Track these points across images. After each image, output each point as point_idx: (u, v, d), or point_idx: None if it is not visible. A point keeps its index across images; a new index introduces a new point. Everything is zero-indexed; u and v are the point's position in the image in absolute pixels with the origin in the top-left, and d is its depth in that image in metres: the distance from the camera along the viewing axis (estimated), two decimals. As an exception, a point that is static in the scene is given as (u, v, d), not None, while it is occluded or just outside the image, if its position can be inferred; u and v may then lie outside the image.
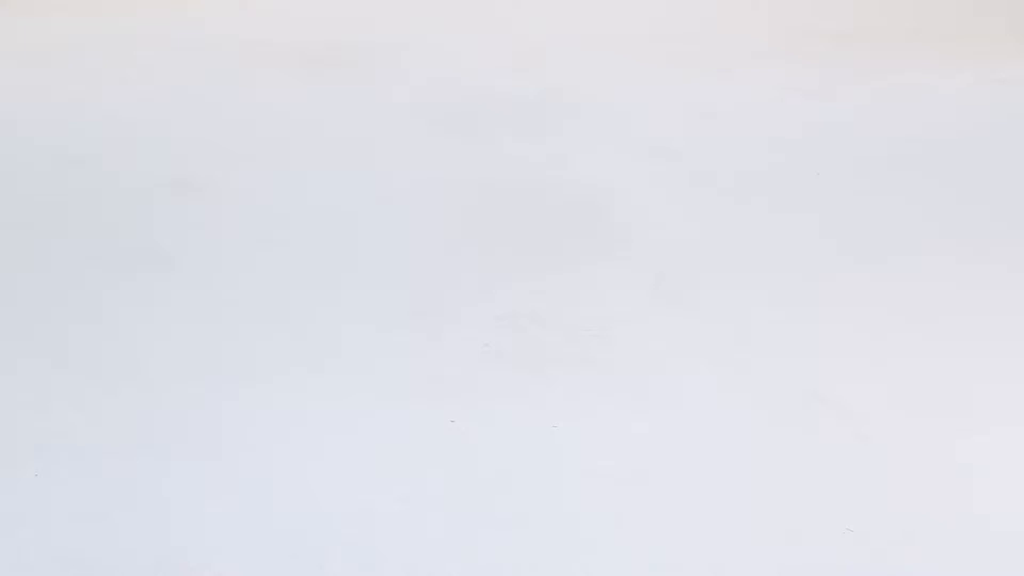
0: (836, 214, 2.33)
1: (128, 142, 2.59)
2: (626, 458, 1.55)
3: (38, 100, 2.84)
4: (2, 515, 1.42)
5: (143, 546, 1.37)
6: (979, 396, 1.71)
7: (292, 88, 2.93)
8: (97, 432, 1.58)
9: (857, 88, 3.02)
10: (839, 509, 1.45)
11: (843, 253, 2.16)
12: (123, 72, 3.01)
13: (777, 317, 1.91)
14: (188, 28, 3.33)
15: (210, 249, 2.10)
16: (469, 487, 1.49)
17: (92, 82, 2.94)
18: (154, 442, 1.57)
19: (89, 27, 3.33)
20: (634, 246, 2.14)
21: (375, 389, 1.70)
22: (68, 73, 3.00)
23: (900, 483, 1.51)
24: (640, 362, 1.78)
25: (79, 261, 2.06)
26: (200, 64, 3.08)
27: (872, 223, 2.28)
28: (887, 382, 1.74)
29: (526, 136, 2.25)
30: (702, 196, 2.40)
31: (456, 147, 2.54)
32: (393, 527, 1.41)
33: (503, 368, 1.74)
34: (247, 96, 2.89)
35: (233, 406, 1.65)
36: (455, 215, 2.03)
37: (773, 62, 3.18)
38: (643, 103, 2.90)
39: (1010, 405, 1.70)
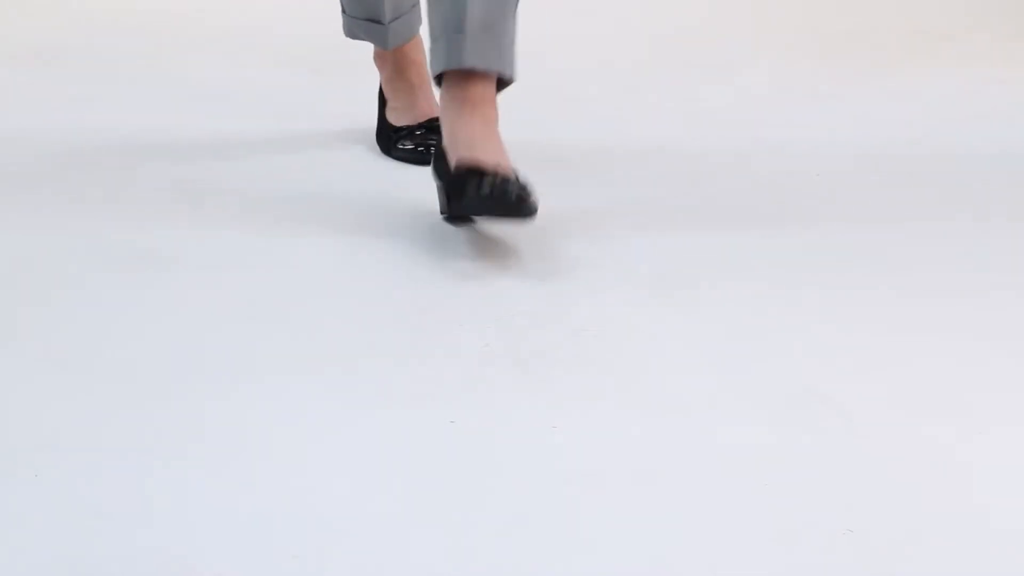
0: (836, 214, 2.33)
1: (128, 141, 2.59)
2: (626, 459, 1.55)
3: (38, 99, 2.84)
4: (2, 515, 1.42)
5: (143, 546, 1.36)
6: (980, 396, 1.72)
7: (293, 88, 2.93)
8: (97, 432, 1.58)
9: (857, 88, 3.02)
10: (839, 509, 1.45)
11: (843, 253, 2.16)
12: (124, 70, 3.01)
13: (778, 317, 1.91)
14: (188, 26, 3.33)
15: (209, 248, 2.10)
16: (469, 488, 1.49)
17: (93, 80, 2.94)
18: (154, 442, 1.57)
19: (89, 25, 3.33)
20: (634, 246, 2.14)
21: (375, 389, 1.70)
22: (69, 72, 3.00)
23: (900, 483, 1.51)
24: (640, 362, 1.78)
25: (78, 260, 2.06)
26: (200, 63, 3.07)
27: (872, 223, 2.28)
28: (888, 382, 1.74)
29: (525, 136, 2.24)
30: (702, 196, 2.40)
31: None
32: (393, 528, 1.41)
33: (503, 368, 1.74)
34: (247, 94, 2.89)
35: (233, 406, 1.65)
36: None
37: (773, 62, 3.18)
38: (642, 103, 2.90)
39: (1011, 405, 1.70)
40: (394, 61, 2.48)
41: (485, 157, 1.97)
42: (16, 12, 3.38)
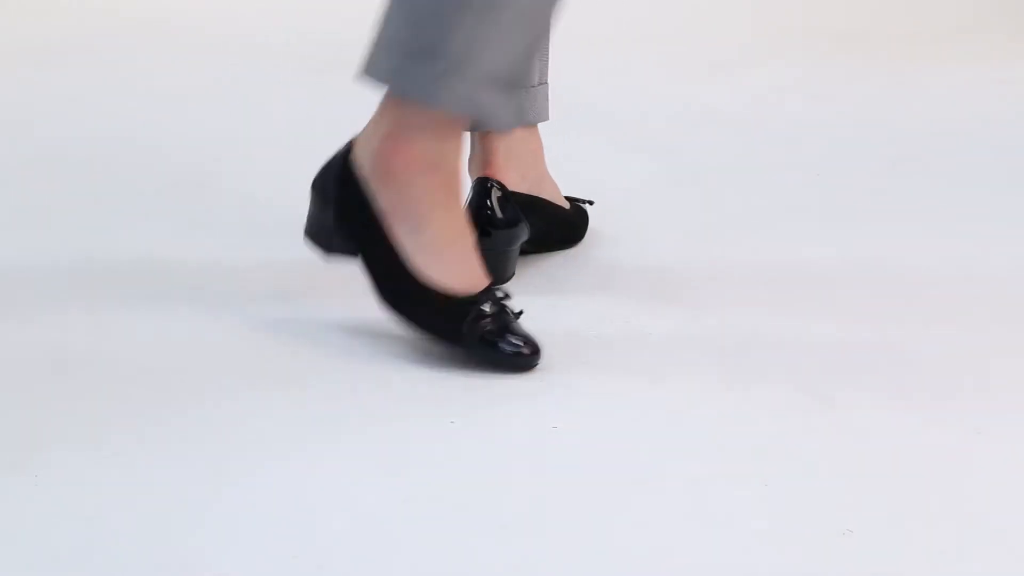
0: (836, 214, 2.33)
1: (128, 141, 2.59)
2: (626, 458, 1.55)
3: (38, 99, 2.84)
4: (2, 516, 1.42)
5: (143, 547, 1.37)
6: (980, 396, 1.71)
7: (293, 88, 2.93)
8: (97, 433, 1.58)
9: (857, 88, 3.02)
10: (839, 509, 1.45)
11: (843, 253, 2.16)
12: (124, 71, 3.01)
13: (777, 317, 1.91)
14: (188, 27, 3.33)
15: (209, 249, 2.10)
16: (469, 488, 1.49)
17: (93, 81, 2.94)
18: (154, 443, 1.57)
19: (89, 26, 3.33)
20: (633, 245, 2.14)
21: (375, 389, 1.70)
22: (68, 72, 3.00)
23: (900, 483, 1.51)
24: (640, 363, 1.78)
25: (76, 260, 2.06)
26: (201, 63, 3.08)
27: (872, 223, 2.28)
28: (888, 382, 1.74)
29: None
30: (701, 196, 2.40)
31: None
32: (393, 528, 1.41)
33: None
34: (247, 96, 2.89)
35: (233, 406, 1.65)
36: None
37: (773, 62, 3.18)
38: (642, 103, 2.90)
39: (1011, 405, 1.70)
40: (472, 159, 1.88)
41: None
42: (16, 12, 3.38)
